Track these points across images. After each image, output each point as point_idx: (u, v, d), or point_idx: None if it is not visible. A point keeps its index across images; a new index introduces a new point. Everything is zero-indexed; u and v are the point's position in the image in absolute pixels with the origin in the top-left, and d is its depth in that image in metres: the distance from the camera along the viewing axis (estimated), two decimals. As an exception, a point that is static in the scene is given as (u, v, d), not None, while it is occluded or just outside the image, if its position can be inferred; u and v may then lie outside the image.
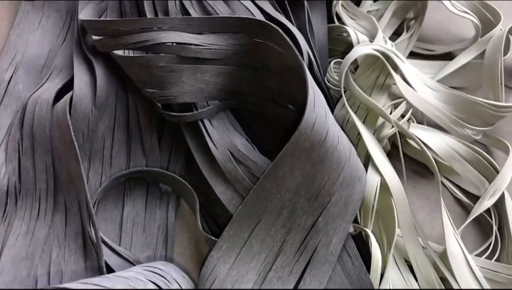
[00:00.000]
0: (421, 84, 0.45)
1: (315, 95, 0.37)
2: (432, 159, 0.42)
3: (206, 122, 0.41)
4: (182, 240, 0.43)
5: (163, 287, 0.35)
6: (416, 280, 0.41)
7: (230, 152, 0.40)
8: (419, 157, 0.47)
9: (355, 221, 0.41)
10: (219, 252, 0.38)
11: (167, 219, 0.43)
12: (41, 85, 0.47)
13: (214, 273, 0.37)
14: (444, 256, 0.39)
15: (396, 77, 0.44)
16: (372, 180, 0.40)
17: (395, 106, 0.45)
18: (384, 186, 0.41)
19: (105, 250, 0.40)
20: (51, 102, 0.43)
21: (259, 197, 0.38)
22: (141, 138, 0.44)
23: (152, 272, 0.36)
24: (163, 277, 0.36)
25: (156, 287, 0.34)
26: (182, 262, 0.41)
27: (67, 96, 0.43)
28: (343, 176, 0.38)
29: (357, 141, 0.43)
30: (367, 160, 0.42)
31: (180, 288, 0.36)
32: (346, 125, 0.43)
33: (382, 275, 0.39)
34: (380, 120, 0.44)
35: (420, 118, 0.49)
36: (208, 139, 0.40)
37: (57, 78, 0.48)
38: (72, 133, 0.40)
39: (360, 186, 0.39)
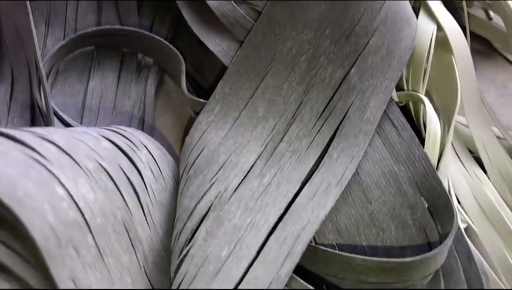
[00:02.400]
0: None
1: None
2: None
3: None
4: (164, 122, 0.32)
5: (125, 149, 0.24)
6: (485, 171, 0.29)
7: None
8: (483, 31, 0.36)
9: (399, 87, 0.30)
10: (210, 115, 0.27)
11: (145, 94, 0.32)
12: None
13: (202, 142, 0.26)
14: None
15: None
16: (425, 27, 0.29)
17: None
18: (441, 39, 0.29)
19: (60, 126, 0.29)
20: None
21: (265, 37, 0.27)
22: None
23: (112, 131, 0.25)
24: (127, 138, 0.25)
25: (109, 144, 0.23)
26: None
27: None
28: (385, 10, 0.27)
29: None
30: (417, 7, 0.31)
31: (150, 155, 0.25)
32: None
33: (438, 161, 0.28)
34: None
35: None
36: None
37: None
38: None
39: (410, 32, 0.28)
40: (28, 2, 0.30)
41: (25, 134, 0.21)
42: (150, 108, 0.32)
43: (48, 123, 0.29)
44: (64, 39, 0.33)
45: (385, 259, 0.22)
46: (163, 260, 0.25)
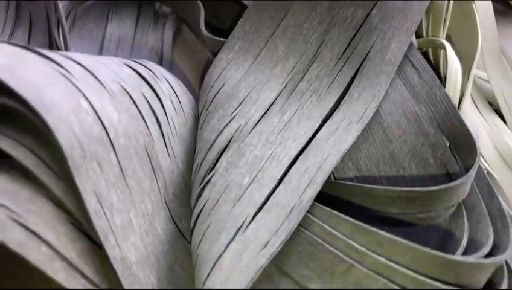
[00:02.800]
0: None
1: None
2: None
3: None
4: (181, 69, 0.32)
5: (147, 78, 0.24)
6: (505, 121, 0.29)
7: None
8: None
9: (419, 34, 0.29)
10: (230, 53, 0.27)
11: (163, 41, 0.32)
12: None
13: (221, 79, 0.26)
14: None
15: None
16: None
17: None
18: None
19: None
20: None
21: (287, -23, 0.27)
22: None
23: (134, 61, 0.25)
24: (149, 69, 0.25)
25: (132, 72, 0.23)
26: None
27: None
28: (407, -50, 0.26)
29: None
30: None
31: (171, 88, 0.25)
32: None
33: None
34: None
35: None
36: None
37: None
38: None
39: (431, -25, 0.27)
40: None
41: (51, 52, 0.21)
42: (167, 54, 0.31)
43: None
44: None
45: (408, 188, 0.22)
46: (183, 193, 0.25)
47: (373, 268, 0.19)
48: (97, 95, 0.21)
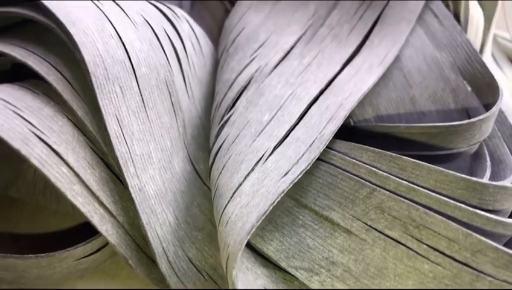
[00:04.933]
0: None
1: None
2: None
3: None
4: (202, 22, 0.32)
5: (169, 16, 0.24)
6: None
7: None
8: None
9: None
10: (250, -2, 0.27)
11: (182, -4, 0.32)
12: None
13: (242, 23, 0.26)
14: None
15: None
16: None
17: None
18: None
19: None
20: None
21: None
22: None
23: (159, 1, 0.25)
24: (171, 9, 0.25)
25: (154, 9, 0.23)
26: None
27: None
28: None
29: None
30: None
31: (192, 29, 0.25)
32: None
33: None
34: None
35: None
36: None
37: None
38: None
39: None
40: None
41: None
42: (186, 9, 0.32)
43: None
44: None
45: (430, 124, 0.22)
46: (201, 136, 0.25)
47: (396, 191, 0.18)
48: (121, 22, 0.21)
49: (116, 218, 0.21)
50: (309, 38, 0.26)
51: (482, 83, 0.24)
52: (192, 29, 0.25)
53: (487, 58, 0.26)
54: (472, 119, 0.22)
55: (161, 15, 0.24)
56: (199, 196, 0.24)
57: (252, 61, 0.25)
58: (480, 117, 0.22)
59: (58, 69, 0.19)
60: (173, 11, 0.25)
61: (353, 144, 0.21)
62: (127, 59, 0.20)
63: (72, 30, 0.18)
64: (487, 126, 0.22)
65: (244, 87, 0.24)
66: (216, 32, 0.31)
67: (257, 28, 0.26)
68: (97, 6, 0.20)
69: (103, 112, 0.19)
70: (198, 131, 0.25)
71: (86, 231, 0.20)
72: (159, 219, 0.22)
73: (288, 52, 0.25)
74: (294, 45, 0.26)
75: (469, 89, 0.25)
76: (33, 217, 0.26)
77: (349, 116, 0.25)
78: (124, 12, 0.21)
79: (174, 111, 0.23)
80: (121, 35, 0.20)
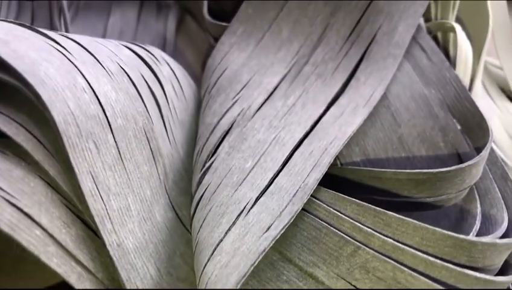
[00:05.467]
0: None
1: None
2: None
3: None
4: (184, 59, 0.31)
5: (147, 60, 0.23)
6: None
7: None
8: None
9: (428, 19, 0.29)
10: (232, 37, 0.26)
11: (166, 30, 0.31)
12: None
13: (224, 63, 0.25)
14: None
15: None
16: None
17: None
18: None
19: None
20: None
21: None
22: None
23: (133, 44, 0.24)
24: (149, 52, 0.24)
25: (131, 53, 0.23)
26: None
27: None
28: None
29: None
30: None
31: (172, 71, 0.24)
32: None
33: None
34: None
35: None
36: None
37: None
38: None
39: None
40: None
41: (49, 31, 0.21)
42: (170, 44, 0.31)
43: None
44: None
45: (418, 170, 0.21)
46: (183, 180, 0.24)
47: (381, 250, 0.18)
48: (94, 73, 0.20)
49: (95, 275, 0.20)
50: (293, 77, 0.25)
51: (472, 122, 0.23)
52: (173, 72, 0.25)
53: (478, 90, 0.26)
54: (461, 165, 0.21)
55: (138, 59, 0.23)
56: (182, 244, 0.23)
57: (234, 104, 0.24)
58: (470, 162, 0.21)
59: (28, 129, 0.18)
60: (151, 54, 0.24)
61: (338, 194, 0.20)
62: (102, 112, 0.20)
63: (41, 90, 0.17)
64: (477, 170, 0.21)
65: (227, 132, 0.23)
66: (200, 66, 0.31)
67: (240, 68, 0.25)
68: (67, 57, 0.19)
69: (76, 170, 0.18)
70: (180, 176, 0.24)
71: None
72: (140, 273, 0.21)
73: (272, 92, 0.25)
74: (278, 84, 0.25)
75: (459, 127, 0.24)
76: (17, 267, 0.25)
77: (337, 157, 0.24)
78: (98, 61, 0.21)
79: (154, 158, 0.22)
80: (94, 88, 0.20)
